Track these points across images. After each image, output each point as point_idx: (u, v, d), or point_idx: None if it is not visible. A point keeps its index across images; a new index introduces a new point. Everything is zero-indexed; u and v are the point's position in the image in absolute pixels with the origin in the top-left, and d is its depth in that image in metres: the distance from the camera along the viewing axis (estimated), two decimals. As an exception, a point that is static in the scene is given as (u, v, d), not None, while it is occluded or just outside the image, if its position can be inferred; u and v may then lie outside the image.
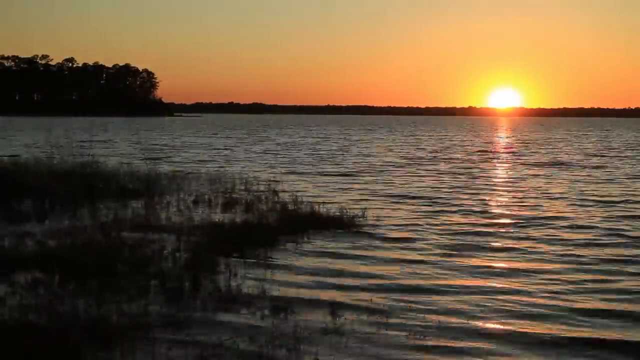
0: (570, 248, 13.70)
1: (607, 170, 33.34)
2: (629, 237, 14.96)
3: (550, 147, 56.75)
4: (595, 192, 23.35)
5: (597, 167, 34.78)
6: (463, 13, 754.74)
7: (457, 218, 17.37)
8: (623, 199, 21.66)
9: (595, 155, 45.00)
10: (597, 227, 16.09)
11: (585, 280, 11.14)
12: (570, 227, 16.17)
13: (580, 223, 16.68)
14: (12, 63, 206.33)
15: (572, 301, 9.99)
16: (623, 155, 46.17)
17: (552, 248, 13.69)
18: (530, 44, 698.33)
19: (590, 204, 20.43)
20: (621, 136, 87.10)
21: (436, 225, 16.17)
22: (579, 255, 12.98)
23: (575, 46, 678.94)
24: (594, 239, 14.64)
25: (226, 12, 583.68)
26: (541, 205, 19.81)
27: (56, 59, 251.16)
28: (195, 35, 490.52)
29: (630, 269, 12.00)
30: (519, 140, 72.10)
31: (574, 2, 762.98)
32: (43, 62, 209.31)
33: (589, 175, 30.12)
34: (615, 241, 14.50)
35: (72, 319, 8.25)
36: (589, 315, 9.33)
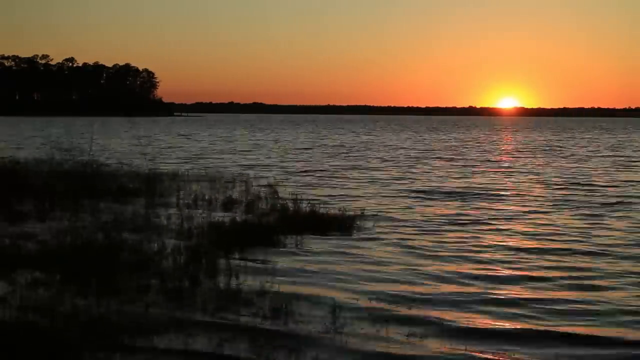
0: None
1: None
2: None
3: None
4: None
5: None
6: (462, 14, 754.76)
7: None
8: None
9: None
10: None
11: None
12: None
13: None
14: (12, 63, 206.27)
15: None
16: None
17: None
18: (529, 50, 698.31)
19: None
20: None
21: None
22: None
23: (572, 50, 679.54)
24: None
25: (226, 12, 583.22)
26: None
27: (56, 59, 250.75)
28: (195, 35, 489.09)
29: None
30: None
31: (571, 13, 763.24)
32: (43, 62, 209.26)
33: None
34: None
35: (72, 319, 8.25)
36: None
